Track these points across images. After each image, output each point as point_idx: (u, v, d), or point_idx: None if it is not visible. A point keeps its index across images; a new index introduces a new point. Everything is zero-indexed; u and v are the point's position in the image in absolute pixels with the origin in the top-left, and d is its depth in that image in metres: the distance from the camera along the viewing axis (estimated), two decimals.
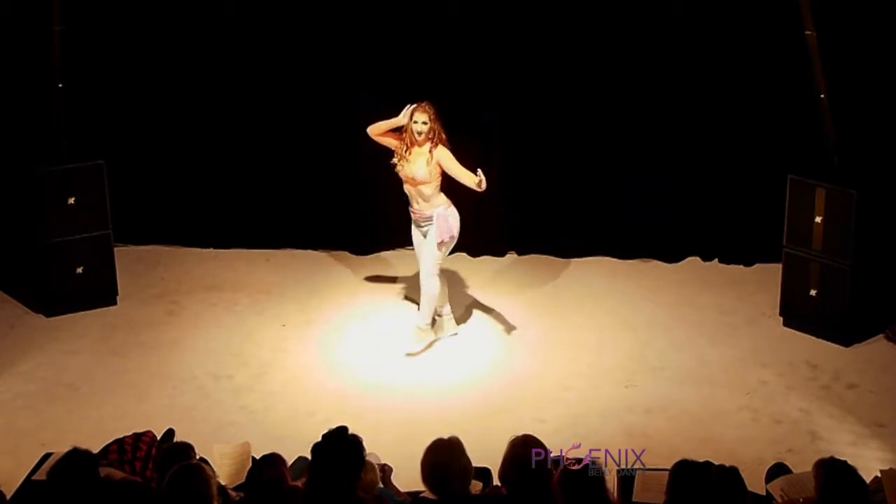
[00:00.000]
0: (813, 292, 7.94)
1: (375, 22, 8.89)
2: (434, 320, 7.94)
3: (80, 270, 8.47)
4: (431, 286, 7.71)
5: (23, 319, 8.49)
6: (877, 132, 8.10)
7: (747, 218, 8.95)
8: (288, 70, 9.09)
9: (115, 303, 8.66)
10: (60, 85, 8.22)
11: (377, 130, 7.63)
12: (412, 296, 8.48)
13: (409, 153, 7.51)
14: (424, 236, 7.70)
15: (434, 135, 7.46)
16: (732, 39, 8.58)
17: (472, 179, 7.36)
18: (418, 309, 7.95)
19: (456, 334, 8.06)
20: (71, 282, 8.46)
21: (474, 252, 9.42)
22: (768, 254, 8.81)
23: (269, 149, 9.33)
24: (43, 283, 8.46)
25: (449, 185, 7.66)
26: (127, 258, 9.22)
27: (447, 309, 8.06)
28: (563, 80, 8.91)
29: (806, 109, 8.05)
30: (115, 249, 8.73)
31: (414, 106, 7.48)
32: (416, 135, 7.45)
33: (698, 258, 9.27)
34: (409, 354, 7.79)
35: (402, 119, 7.52)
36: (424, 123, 7.43)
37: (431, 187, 7.54)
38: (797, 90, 8.21)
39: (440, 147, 7.47)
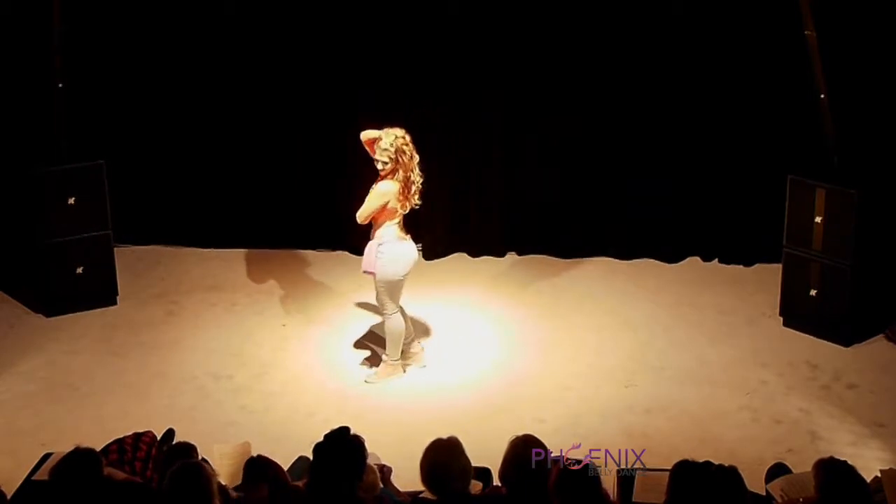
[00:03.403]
0: (813, 292, 7.94)
1: (375, 22, 8.89)
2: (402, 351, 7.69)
3: (80, 270, 8.46)
4: (390, 324, 7.46)
5: (23, 319, 8.49)
6: (877, 132, 8.10)
7: (747, 218, 8.95)
8: (288, 70, 9.09)
9: (115, 303, 8.66)
10: (60, 85, 8.22)
11: (364, 137, 7.38)
12: (411, 296, 8.45)
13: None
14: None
15: (390, 172, 7.19)
16: (732, 39, 8.57)
17: (361, 216, 7.22)
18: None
19: (425, 366, 7.72)
20: (71, 282, 8.46)
21: (474, 252, 9.43)
22: (768, 254, 8.81)
23: (268, 149, 9.32)
24: (43, 283, 8.46)
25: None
26: (127, 258, 9.22)
27: (415, 345, 7.73)
28: (563, 80, 8.91)
29: (806, 109, 8.05)
30: (115, 249, 8.73)
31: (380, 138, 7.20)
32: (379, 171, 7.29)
33: (698, 258, 9.27)
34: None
35: (377, 133, 7.26)
36: (385, 163, 7.19)
37: (387, 218, 7.27)
38: (797, 90, 8.21)
39: (383, 182, 7.20)
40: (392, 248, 7.28)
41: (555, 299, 8.70)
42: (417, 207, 7.38)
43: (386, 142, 7.15)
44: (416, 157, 7.25)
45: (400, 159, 7.16)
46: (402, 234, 7.35)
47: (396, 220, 7.29)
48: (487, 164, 9.22)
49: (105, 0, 8.95)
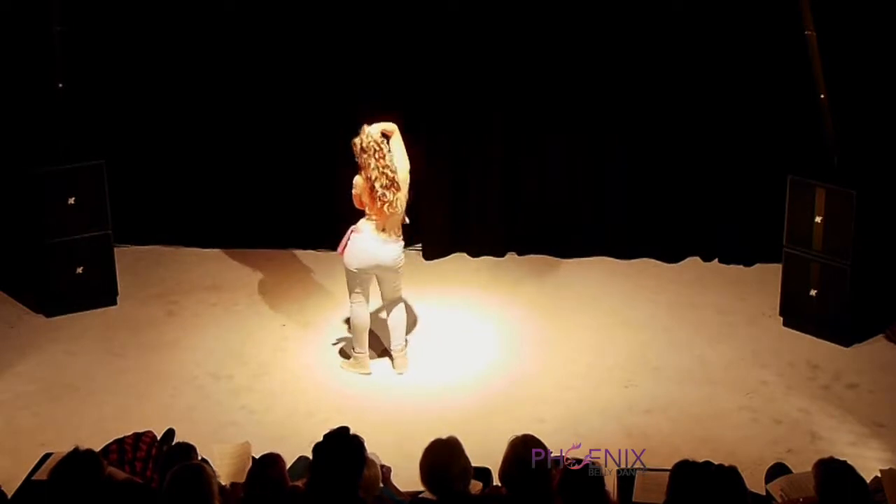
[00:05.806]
0: (813, 292, 7.94)
1: (375, 21, 8.89)
2: (390, 353, 7.77)
3: (80, 270, 8.46)
4: (351, 313, 7.49)
5: (23, 319, 8.49)
6: (877, 132, 8.10)
7: (747, 218, 8.95)
8: (288, 70, 9.09)
9: (115, 303, 8.66)
10: (60, 85, 8.22)
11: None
12: (410, 295, 8.46)
13: None
14: None
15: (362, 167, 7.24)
16: (732, 39, 8.57)
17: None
18: None
19: (401, 374, 7.67)
20: (71, 282, 8.46)
21: (474, 252, 9.43)
22: (768, 254, 8.81)
23: (269, 149, 9.32)
24: (43, 283, 8.46)
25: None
26: (127, 258, 9.22)
27: (396, 345, 7.68)
28: (563, 80, 8.91)
29: (806, 109, 8.05)
30: (115, 249, 8.74)
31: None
32: None
33: (698, 258, 9.27)
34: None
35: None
36: (356, 158, 7.26)
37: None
38: (797, 90, 8.21)
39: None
40: (355, 239, 7.34)
41: (555, 299, 8.70)
42: (391, 215, 7.25)
43: (359, 137, 7.19)
44: (373, 162, 7.12)
45: (360, 158, 7.17)
46: (378, 232, 7.30)
47: (373, 217, 7.27)
48: (487, 164, 9.22)
49: (105, 0, 8.95)
